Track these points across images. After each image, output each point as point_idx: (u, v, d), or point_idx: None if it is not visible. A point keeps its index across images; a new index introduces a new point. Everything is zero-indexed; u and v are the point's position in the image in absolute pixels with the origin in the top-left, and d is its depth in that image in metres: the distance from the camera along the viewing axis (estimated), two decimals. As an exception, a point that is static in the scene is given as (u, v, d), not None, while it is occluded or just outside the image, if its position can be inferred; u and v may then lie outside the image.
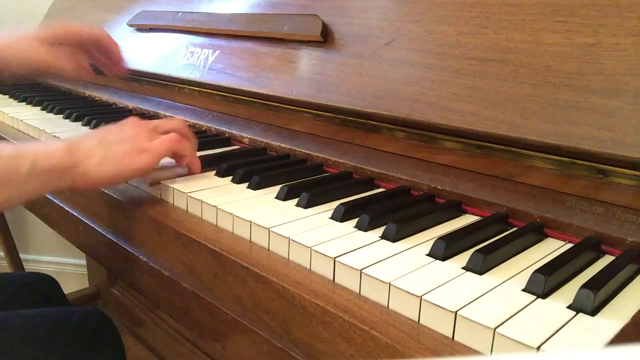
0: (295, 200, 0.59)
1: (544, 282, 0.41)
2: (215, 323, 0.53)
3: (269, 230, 0.51)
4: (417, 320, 0.40)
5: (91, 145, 0.57)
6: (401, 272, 0.43)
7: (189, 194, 0.60)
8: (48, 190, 0.58)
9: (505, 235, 0.50)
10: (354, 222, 0.53)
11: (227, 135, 0.85)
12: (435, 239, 0.48)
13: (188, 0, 1.01)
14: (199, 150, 0.70)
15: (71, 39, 0.84)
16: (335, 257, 0.46)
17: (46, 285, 1.01)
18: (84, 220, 0.73)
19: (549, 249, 0.50)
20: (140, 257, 0.62)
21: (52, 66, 0.82)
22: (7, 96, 1.22)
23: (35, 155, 0.53)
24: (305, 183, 0.63)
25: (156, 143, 0.60)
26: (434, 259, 0.46)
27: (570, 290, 0.41)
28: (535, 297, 0.41)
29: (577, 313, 0.39)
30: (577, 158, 0.52)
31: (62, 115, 0.99)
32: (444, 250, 0.46)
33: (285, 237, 0.50)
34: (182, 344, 1.28)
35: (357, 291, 0.44)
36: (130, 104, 1.07)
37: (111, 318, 0.86)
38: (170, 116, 0.97)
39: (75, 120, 0.96)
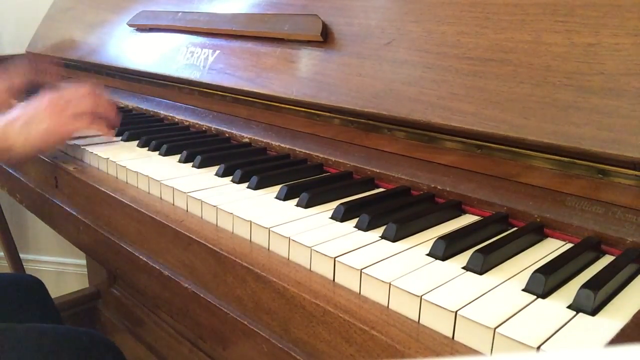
0: (295, 200, 0.59)
1: (544, 282, 0.41)
2: (215, 323, 0.53)
3: (269, 230, 0.51)
4: (417, 320, 0.40)
5: (18, 129, 0.74)
6: (401, 272, 0.43)
7: (189, 194, 0.60)
8: None
9: (505, 235, 0.50)
10: (354, 222, 0.53)
11: (227, 135, 0.85)
12: (435, 239, 0.48)
13: (188, 0, 1.01)
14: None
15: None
16: (335, 257, 0.46)
17: (32, 287, 1.00)
18: (84, 220, 0.73)
19: (549, 249, 0.50)
20: (141, 257, 0.62)
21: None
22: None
23: None
24: (305, 183, 0.63)
25: (68, 124, 0.77)
26: (434, 259, 0.46)
27: (570, 290, 0.41)
28: (535, 297, 0.41)
29: (577, 313, 0.39)
30: (577, 158, 0.52)
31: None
32: (444, 250, 0.46)
33: (285, 237, 0.50)
34: (182, 344, 1.28)
35: (357, 291, 0.44)
36: (130, 103, 1.07)
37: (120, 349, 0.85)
38: (171, 116, 0.97)
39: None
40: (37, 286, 1.01)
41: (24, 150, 0.74)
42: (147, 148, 0.79)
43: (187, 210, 0.60)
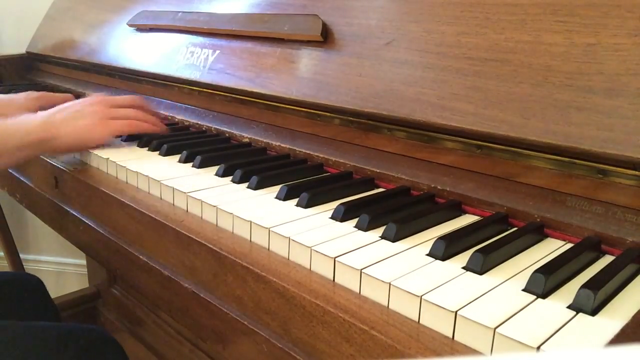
0: (295, 200, 0.59)
1: (544, 282, 0.41)
2: (215, 323, 0.53)
3: (269, 230, 0.51)
4: (417, 320, 0.40)
5: (62, 121, 0.75)
6: (401, 272, 0.43)
7: (189, 194, 0.60)
8: (33, 156, 0.80)
9: (505, 235, 0.50)
10: (354, 222, 0.53)
11: (227, 135, 0.85)
12: (435, 239, 0.48)
13: (188, 0, 1.01)
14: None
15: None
16: (335, 257, 0.46)
17: (31, 285, 0.99)
18: (84, 220, 0.73)
19: (549, 249, 0.50)
20: (141, 257, 0.62)
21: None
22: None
23: (20, 132, 0.73)
24: (305, 183, 0.63)
25: (111, 123, 0.78)
26: (434, 259, 0.46)
27: (570, 290, 0.41)
28: (535, 297, 0.41)
29: (577, 313, 0.39)
30: (577, 158, 0.52)
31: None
32: (444, 250, 0.46)
33: (285, 237, 0.50)
34: (182, 344, 1.28)
35: (357, 291, 0.44)
36: (130, 104, 1.07)
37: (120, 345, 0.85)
38: (171, 116, 0.97)
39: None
40: (35, 284, 1.01)
41: (68, 141, 0.75)
42: (147, 148, 0.79)
43: (187, 211, 0.60)
